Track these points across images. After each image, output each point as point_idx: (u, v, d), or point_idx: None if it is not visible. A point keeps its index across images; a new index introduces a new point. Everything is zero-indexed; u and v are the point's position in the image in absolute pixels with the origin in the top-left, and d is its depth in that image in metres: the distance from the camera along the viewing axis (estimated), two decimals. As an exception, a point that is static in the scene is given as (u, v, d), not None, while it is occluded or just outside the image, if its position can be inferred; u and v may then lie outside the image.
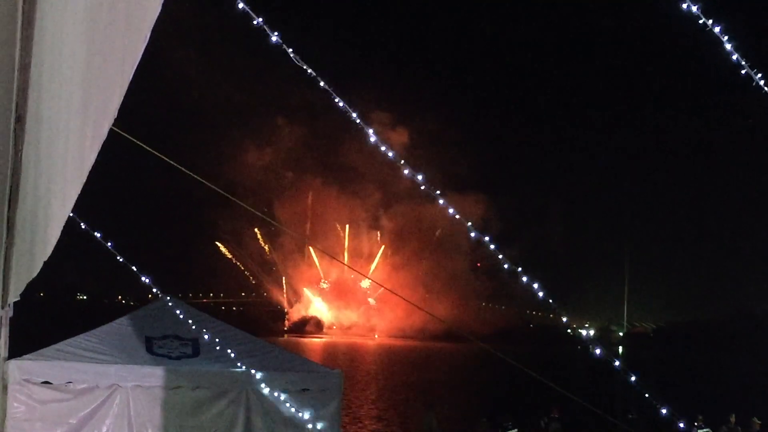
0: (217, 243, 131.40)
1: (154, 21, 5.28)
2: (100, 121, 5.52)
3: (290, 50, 7.35)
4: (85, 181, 5.69)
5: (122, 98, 5.50)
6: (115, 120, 6.48)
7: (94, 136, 5.55)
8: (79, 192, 5.73)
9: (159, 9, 5.29)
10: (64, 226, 5.88)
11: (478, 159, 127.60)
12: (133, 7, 5.20)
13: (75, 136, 5.48)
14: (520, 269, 8.35)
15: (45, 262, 5.91)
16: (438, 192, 8.45)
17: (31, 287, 6.07)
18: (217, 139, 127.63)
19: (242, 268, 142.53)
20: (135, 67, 5.38)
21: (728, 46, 6.94)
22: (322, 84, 7.81)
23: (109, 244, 11.33)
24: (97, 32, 5.12)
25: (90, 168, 5.66)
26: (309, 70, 7.57)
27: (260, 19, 7.23)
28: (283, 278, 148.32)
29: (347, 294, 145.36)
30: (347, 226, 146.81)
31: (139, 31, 5.27)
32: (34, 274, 5.87)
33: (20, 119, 5.31)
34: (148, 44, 5.33)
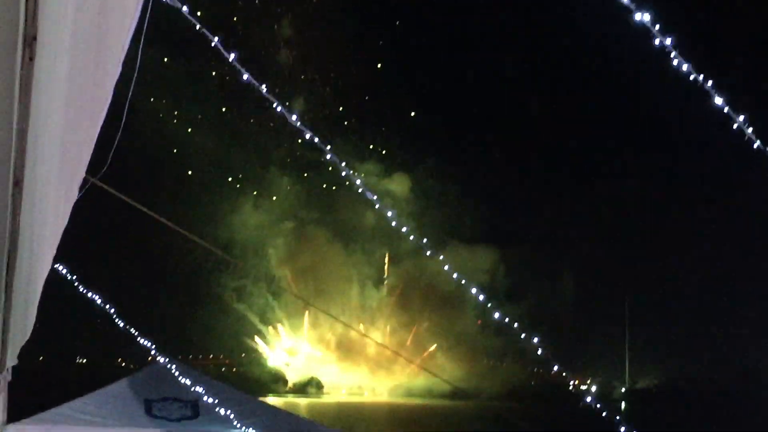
0: (216, 303, 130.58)
1: (117, 76, 5.28)
2: (73, 180, 5.55)
3: (275, 104, 7.34)
4: (58, 243, 5.71)
5: (90, 156, 5.52)
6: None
7: (67, 196, 5.59)
8: (54, 254, 5.75)
9: (120, 69, 5.29)
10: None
11: (487, 211, 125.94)
12: (101, 71, 5.20)
13: (53, 197, 5.51)
14: (516, 325, 8.34)
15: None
16: (435, 251, 8.46)
17: (30, 351, 6.08)
18: (212, 197, 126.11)
19: (243, 327, 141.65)
20: (101, 125, 5.38)
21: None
22: (308, 135, 7.78)
23: (107, 305, 11.31)
24: (73, 92, 5.13)
25: (63, 230, 5.68)
26: (298, 123, 7.56)
27: (248, 75, 7.22)
28: (285, 337, 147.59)
29: (352, 353, 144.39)
30: (352, 283, 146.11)
31: (106, 91, 5.28)
32: (27, 337, 5.88)
33: (18, 183, 5.33)
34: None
